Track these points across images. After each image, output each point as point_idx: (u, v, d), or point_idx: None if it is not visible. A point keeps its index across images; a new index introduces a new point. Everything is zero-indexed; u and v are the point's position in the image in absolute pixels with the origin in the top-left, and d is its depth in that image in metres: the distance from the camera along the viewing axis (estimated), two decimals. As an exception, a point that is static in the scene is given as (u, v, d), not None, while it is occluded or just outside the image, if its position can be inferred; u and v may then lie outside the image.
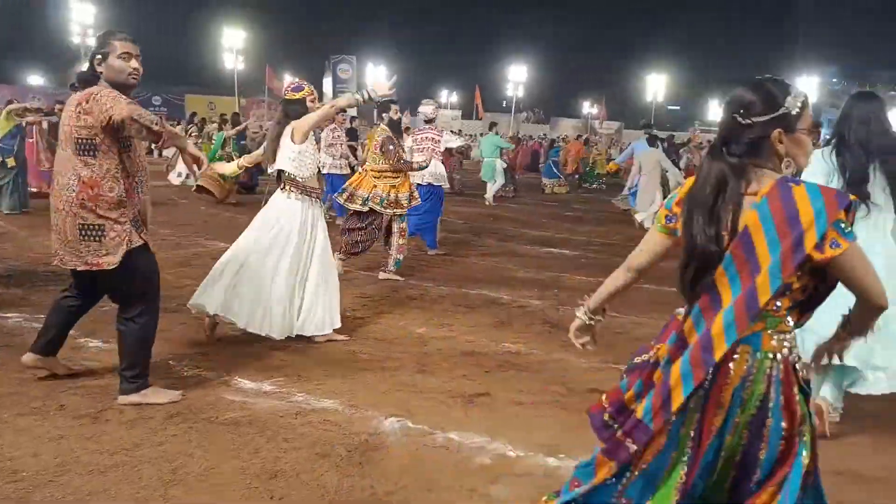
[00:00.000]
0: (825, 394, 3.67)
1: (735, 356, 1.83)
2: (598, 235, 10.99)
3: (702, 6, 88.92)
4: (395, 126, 6.98)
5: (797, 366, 1.86)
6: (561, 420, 3.77)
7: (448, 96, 49.86)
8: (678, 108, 67.56)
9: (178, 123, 20.89)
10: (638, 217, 11.71)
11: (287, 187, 4.80)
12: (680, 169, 14.81)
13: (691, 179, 1.97)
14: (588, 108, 47.50)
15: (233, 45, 34.14)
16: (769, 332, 1.83)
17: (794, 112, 1.82)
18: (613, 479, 2.00)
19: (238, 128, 13.43)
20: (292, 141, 4.78)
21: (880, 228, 3.61)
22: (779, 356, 1.82)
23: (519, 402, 4.00)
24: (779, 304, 1.81)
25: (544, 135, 33.88)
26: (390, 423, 3.62)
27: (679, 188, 2.05)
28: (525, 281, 7.32)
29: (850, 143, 3.59)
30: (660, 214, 2.07)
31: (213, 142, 13.30)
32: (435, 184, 8.19)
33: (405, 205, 6.86)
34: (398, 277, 6.98)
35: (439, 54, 79.07)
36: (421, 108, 8.23)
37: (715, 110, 51.96)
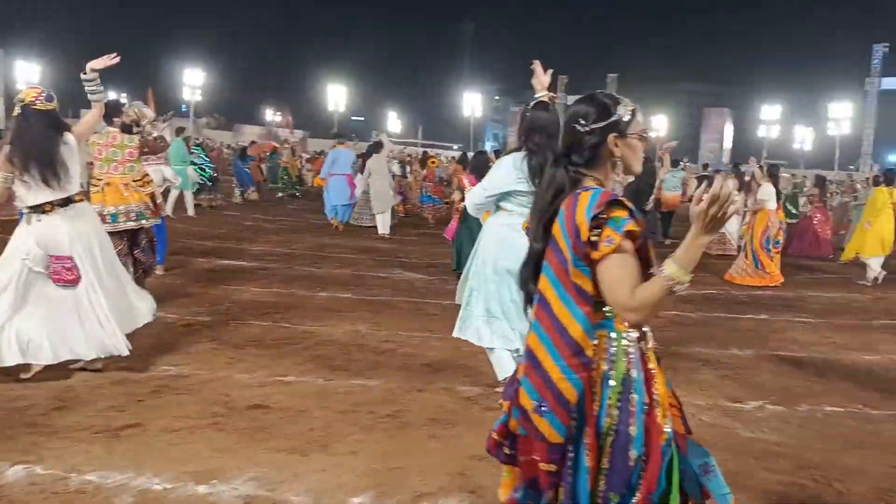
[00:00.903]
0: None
1: (595, 342, 1.88)
2: (278, 245, 10.83)
3: (377, 27, 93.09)
4: (129, 131, 6.14)
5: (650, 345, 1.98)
6: (217, 443, 3.57)
7: (117, 98, 45.98)
8: (362, 118, 69.94)
9: None
10: (380, 227, 12.44)
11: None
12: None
13: None
14: (272, 115, 47.15)
15: None
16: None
17: (625, 119, 1.97)
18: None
19: None
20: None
21: None
22: (630, 335, 1.92)
23: (173, 430, 3.71)
24: None
25: (238, 143, 32.65)
26: (14, 473, 3.13)
27: None
28: (196, 296, 6.91)
29: (536, 150, 3.91)
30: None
31: None
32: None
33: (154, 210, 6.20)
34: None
35: (103, 51, 72.19)
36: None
37: (394, 121, 54.84)
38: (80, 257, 4.31)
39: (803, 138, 47.26)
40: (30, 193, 4.20)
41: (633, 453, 1.85)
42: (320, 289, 7.66)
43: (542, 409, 1.87)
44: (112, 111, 6.02)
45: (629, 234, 1.82)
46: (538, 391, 1.88)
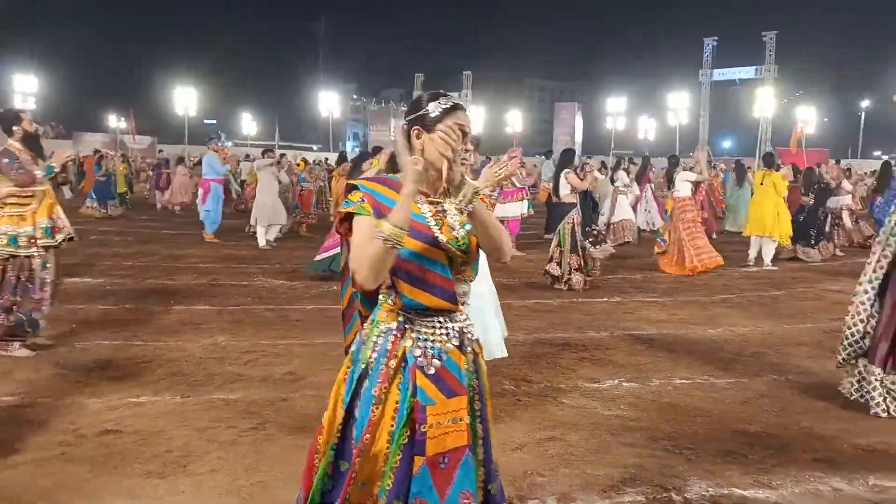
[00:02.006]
0: None
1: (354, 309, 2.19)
2: (126, 258, 10.22)
3: (224, 26, 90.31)
4: (34, 142, 5.29)
5: (416, 350, 1.96)
6: (65, 475, 3.32)
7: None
8: (215, 121, 67.57)
9: None
10: (267, 237, 11.73)
11: None
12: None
13: None
14: (116, 121, 44.54)
15: None
16: (385, 305, 2.02)
17: (432, 114, 1.98)
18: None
19: None
20: None
21: None
22: (387, 327, 1.99)
23: (15, 465, 3.42)
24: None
25: (79, 153, 30.49)
26: None
27: None
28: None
29: None
30: None
31: None
32: None
33: (56, 240, 5.30)
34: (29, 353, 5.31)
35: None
36: None
37: (248, 123, 53.26)
38: None
39: (647, 129, 50.10)
40: None
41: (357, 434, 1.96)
42: (175, 302, 7.30)
43: None
44: (12, 120, 5.24)
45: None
46: None
